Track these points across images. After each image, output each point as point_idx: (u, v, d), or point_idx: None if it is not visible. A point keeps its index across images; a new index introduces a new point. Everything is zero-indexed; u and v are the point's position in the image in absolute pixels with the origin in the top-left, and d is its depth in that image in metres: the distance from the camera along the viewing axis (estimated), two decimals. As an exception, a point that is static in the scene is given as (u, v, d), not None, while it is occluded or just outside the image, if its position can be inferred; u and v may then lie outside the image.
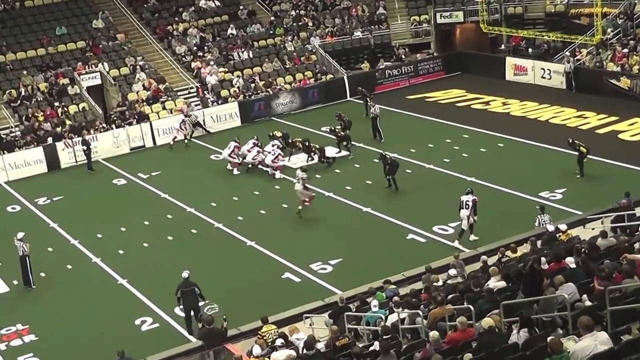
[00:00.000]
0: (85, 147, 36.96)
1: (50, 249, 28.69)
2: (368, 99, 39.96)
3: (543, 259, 16.98)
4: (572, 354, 11.17)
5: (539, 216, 24.75)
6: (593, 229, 23.42)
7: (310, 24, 50.16)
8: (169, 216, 30.76)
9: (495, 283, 18.04)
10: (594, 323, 11.72)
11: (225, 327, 19.90)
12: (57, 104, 41.33)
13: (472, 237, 25.77)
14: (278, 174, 33.35)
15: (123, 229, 29.83)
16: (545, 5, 48.76)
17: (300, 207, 29.47)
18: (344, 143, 35.26)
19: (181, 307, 22.25)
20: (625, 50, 40.97)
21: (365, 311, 19.23)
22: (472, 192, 26.12)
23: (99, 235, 29.46)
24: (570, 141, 30.11)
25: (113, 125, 39.86)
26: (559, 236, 22.22)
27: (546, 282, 15.69)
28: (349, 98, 44.60)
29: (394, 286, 21.15)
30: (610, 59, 41.25)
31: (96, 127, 39.48)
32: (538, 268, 16.26)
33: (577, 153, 29.94)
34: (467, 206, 25.66)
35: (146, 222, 30.32)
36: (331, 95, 44.42)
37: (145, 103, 41.96)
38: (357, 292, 21.60)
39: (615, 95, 38.81)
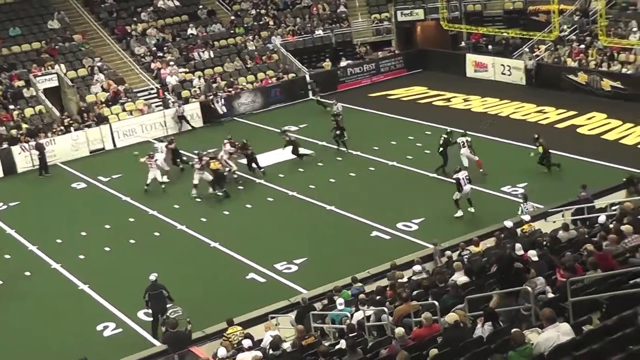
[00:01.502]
0: (38, 152, 36.50)
1: (7, 256, 28.24)
2: (318, 95, 40.87)
3: (518, 245, 16.98)
4: (536, 346, 11.21)
5: (522, 204, 25.01)
6: (554, 222, 23.58)
7: (271, 23, 50.10)
8: (131, 219, 30.45)
9: (459, 278, 18.08)
10: (556, 315, 11.76)
11: (190, 329, 19.75)
12: (12, 106, 40.73)
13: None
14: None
15: (83, 234, 29.49)
16: (503, 3, 49.15)
17: (481, 169, 30.23)
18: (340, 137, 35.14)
19: (149, 310, 22.03)
20: (582, 46, 41.45)
21: (332, 309, 19.20)
22: (460, 170, 27.20)
23: (59, 241, 29.07)
24: (536, 137, 30.13)
25: (71, 128, 39.36)
26: (523, 229, 22.37)
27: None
28: (311, 97, 44.55)
29: (359, 284, 21.14)
30: (568, 55, 41.68)
31: (54, 130, 39.02)
32: (515, 256, 16.08)
33: (538, 149, 29.88)
34: (468, 180, 26.93)
35: (107, 226, 29.97)
36: (293, 94, 44.39)
37: (104, 105, 41.60)
38: (323, 290, 21.56)
39: (573, 90, 39.26)
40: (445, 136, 31.24)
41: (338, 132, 34.82)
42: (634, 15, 41.61)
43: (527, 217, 23.21)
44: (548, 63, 42.19)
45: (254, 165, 33.12)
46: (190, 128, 41.39)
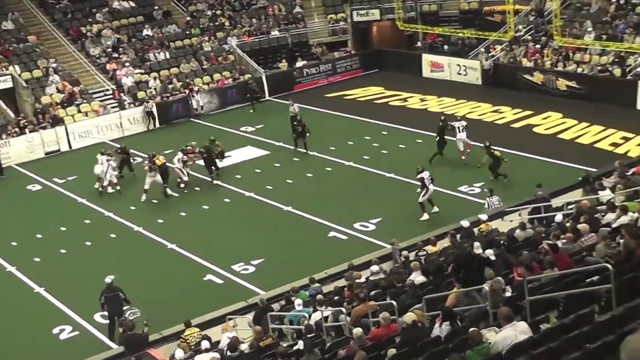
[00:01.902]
0: None
1: (-37, 259, 27.85)
2: (257, 94, 42.85)
3: (477, 244, 17.04)
4: (493, 345, 11.25)
5: (488, 198, 25.25)
6: (511, 221, 23.73)
7: (227, 23, 49.90)
8: (87, 221, 30.15)
9: (416, 278, 18.13)
10: (513, 313, 11.82)
11: (146, 332, 19.61)
12: (-34, 108, 40.20)
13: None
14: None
15: (39, 236, 29.11)
16: (459, 3, 49.45)
17: (463, 157, 31.51)
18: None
19: (105, 313, 21.82)
20: (538, 46, 41.84)
21: (289, 310, 19.17)
22: (423, 170, 27.18)
23: (14, 243, 28.69)
24: (487, 144, 29.73)
25: (26, 130, 38.89)
26: (480, 228, 22.48)
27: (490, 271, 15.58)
28: (267, 97, 44.51)
29: (317, 284, 21.13)
30: (524, 55, 42.04)
31: (8, 132, 38.53)
32: (474, 253, 16.08)
33: (491, 158, 29.54)
34: (431, 180, 26.87)
35: (63, 228, 29.65)
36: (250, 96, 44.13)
37: (59, 106, 41.15)
38: (281, 291, 21.53)
39: (529, 90, 39.58)
40: (441, 124, 31.94)
41: (300, 132, 34.60)
42: (589, 15, 42.07)
43: (484, 217, 23.32)
44: (504, 63, 42.51)
45: (213, 167, 32.83)
46: (152, 127, 41.39)
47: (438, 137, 31.81)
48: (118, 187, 32.44)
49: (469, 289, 14.57)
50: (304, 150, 34.56)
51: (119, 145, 35.61)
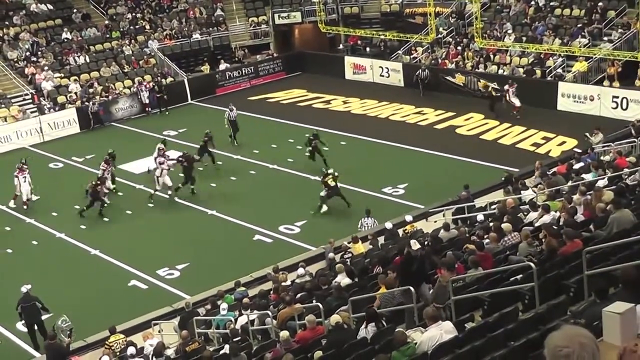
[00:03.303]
0: None
1: None
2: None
3: (413, 241, 17.11)
4: (419, 345, 11.31)
5: (362, 219, 25.06)
6: (435, 221, 23.96)
7: (147, 27, 49.39)
8: (8, 228, 29.51)
9: (343, 280, 18.18)
10: (439, 313, 11.91)
11: (68, 342, 19.31)
12: None
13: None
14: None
15: (-42, 245, 28.45)
16: (380, 5, 49.78)
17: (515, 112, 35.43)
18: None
19: (23, 322, 21.40)
20: (459, 48, 42.34)
21: (215, 314, 19.08)
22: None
23: None
24: (332, 172, 28.01)
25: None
26: (405, 229, 22.65)
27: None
28: (190, 101, 44.21)
29: (243, 288, 21.08)
30: (445, 57, 42.49)
31: None
32: (414, 253, 15.97)
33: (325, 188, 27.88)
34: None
35: (-18, 236, 29.02)
36: (172, 99, 43.73)
37: (-24, 111, 40.28)
38: (206, 296, 21.42)
39: (451, 92, 39.94)
40: (494, 85, 36.45)
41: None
42: (508, 17, 42.73)
43: (409, 218, 23.51)
44: (426, 65, 42.84)
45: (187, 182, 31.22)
46: (97, 125, 41.13)
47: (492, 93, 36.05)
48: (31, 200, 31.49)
49: (405, 287, 14.55)
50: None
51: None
